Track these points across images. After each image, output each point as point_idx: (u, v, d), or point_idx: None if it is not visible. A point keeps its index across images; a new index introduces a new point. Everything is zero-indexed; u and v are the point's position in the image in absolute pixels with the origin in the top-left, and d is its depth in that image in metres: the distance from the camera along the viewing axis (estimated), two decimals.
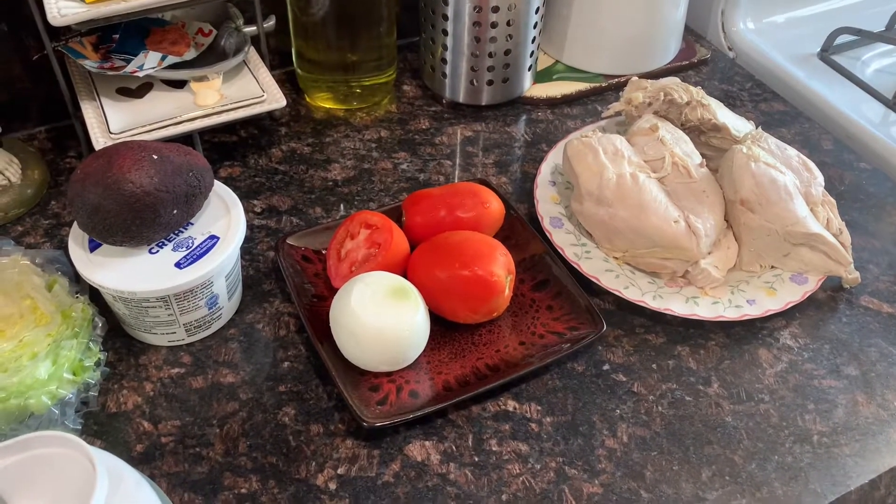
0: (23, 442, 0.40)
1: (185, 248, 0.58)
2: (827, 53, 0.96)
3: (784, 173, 0.66)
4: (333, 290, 0.62)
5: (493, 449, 0.56)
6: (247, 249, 0.69)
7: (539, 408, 0.59)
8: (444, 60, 0.82)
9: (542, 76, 0.89)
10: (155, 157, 0.56)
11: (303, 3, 0.77)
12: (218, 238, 0.59)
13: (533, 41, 0.82)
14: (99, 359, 0.57)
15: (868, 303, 0.67)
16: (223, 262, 0.58)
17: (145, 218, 0.55)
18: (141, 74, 0.70)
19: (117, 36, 0.73)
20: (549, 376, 0.61)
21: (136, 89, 0.74)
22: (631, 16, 0.87)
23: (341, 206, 0.74)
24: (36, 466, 0.40)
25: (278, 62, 0.88)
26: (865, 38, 0.96)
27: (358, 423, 0.55)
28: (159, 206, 0.55)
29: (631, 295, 0.64)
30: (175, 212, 0.57)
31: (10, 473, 0.40)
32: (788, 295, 0.65)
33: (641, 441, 0.57)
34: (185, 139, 0.70)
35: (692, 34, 0.98)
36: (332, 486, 0.54)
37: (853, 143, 0.86)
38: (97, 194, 0.54)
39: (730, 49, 0.98)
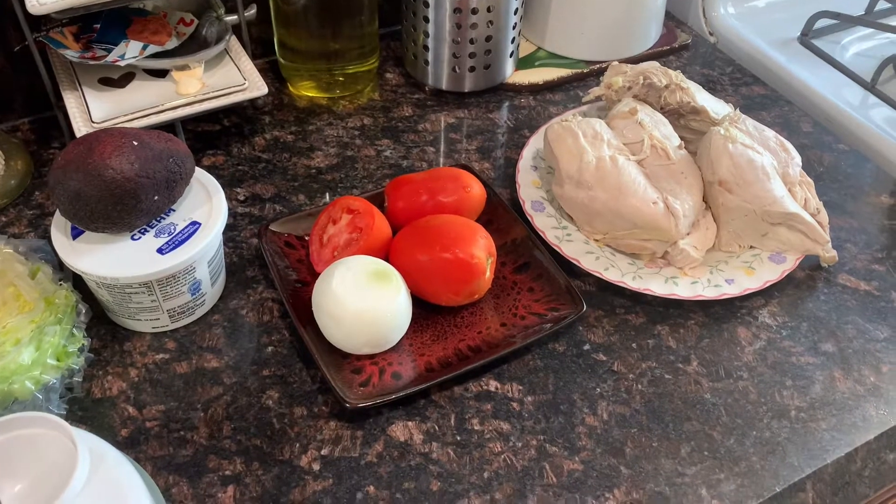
0: (4, 423, 0.40)
1: (166, 235, 0.58)
2: (807, 37, 0.97)
3: (761, 154, 0.67)
4: (316, 276, 0.62)
5: (475, 428, 0.57)
6: (230, 237, 0.69)
7: (520, 387, 0.59)
8: (425, 48, 0.83)
9: (524, 63, 0.90)
10: (135, 143, 0.56)
11: None
12: (200, 224, 0.59)
13: (514, 27, 0.83)
14: (83, 345, 0.57)
15: (846, 281, 0.68)
16: (205, 248, 0.58)
17: (126, 204, 0.55)
18: (122, 64, 0.70)
19: (98, 26, 0.73)
20: (531, 356, 0.61)
21: (118, 79, 0.74)
22: (612, 2, 0.87)
23: (326, 193, 0.74)
24: (18, 447, 0.40)
25: (261, 51, 0.88)
26: (845, 21, 0.97)
27: (341, 404, 0.56)
28: (140, 192, 0.55)
29: (611, 276, 0.65)
30: (156, 198, 0.57)
31: None
32: (767, 274, 0.66)
33: (621, 418, 0.58)
34: (168, 128, 0.70)
35: (673, 20, 0.99)
36: (316, 466, 0.54)
37: (832, 125, 0.86)
38: (78, 181, 0.54)
39: (711, 34, 0.99)
